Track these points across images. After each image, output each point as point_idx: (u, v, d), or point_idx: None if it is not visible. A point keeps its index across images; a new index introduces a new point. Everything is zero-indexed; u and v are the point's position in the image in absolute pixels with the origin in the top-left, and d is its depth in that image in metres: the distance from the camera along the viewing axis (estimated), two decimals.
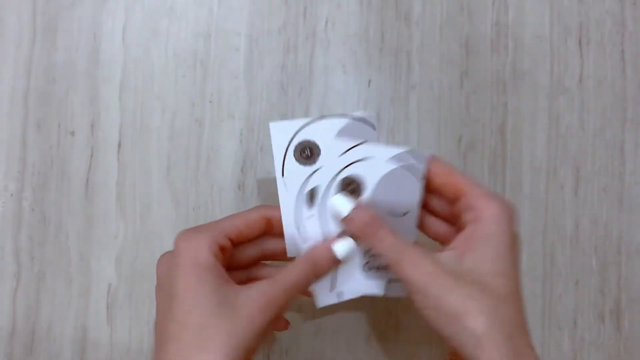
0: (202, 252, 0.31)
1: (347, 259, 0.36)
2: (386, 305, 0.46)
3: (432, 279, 0.31)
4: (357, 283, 0.37)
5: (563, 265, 0.46)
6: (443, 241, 0.37)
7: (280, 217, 0.35)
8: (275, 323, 0.37)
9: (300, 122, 0.36)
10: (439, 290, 0.31)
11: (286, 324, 0.40)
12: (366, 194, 0.36)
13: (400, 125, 0.47)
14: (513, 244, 0.33)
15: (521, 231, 0.44)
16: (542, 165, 0.47)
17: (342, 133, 0.36)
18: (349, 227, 0.35)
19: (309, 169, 0.36)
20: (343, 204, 0.35)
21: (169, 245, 0.34)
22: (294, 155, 0.36)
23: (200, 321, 0.30)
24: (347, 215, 0.35)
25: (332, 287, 0.37)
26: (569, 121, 0.47)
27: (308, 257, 0.35)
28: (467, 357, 0.29)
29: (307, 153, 0.36)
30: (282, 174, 0.36)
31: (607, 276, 0.46)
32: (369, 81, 0.47)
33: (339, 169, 0.36)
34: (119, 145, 0.46)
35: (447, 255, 0.33)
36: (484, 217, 0.32)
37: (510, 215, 0.33)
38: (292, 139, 0.36)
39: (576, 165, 0.47)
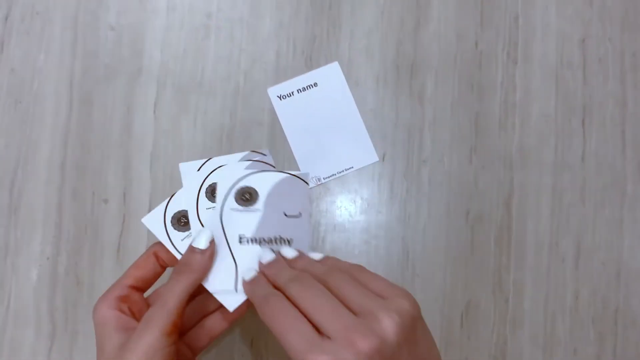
0: (102, 312, 0.37)
1: (210, 244, 0.38)
2: None
3: None
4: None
5: (562, 334, 0.49)
6: None
7: (165, 249, 0.40)
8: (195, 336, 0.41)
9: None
10: None
11: (226, 319, 0.41)
12: (260, 199, 0.41)
13: (412, 197, 0.50)
14: None
15: (525, 302, 0.48)
16: (545, 238, 0.50)
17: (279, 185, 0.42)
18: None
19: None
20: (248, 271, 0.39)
21: None
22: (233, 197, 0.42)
23: None
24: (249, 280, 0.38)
25: (235, 288, 0.39)
26: (571, 197, 0.51)
27: (176, 269, 0.38)
28: None
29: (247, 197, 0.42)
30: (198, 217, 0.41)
31: (604, 346, 0.49)
32: (384, 155, 0.50)
33: (234, 181, 0.42)
34: (149, 212, 0.49)
35: None
36: None
37: None
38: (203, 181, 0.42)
39: (577, 239, 0.50)
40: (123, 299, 0.38)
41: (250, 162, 0.44)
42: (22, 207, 0.49)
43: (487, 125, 0.51)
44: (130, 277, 0.39)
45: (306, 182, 0.43)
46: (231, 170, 0.42)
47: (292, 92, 0.51)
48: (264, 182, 0.42)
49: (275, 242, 0.41)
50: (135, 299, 0.39)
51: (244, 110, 0.51)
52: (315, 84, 0.51)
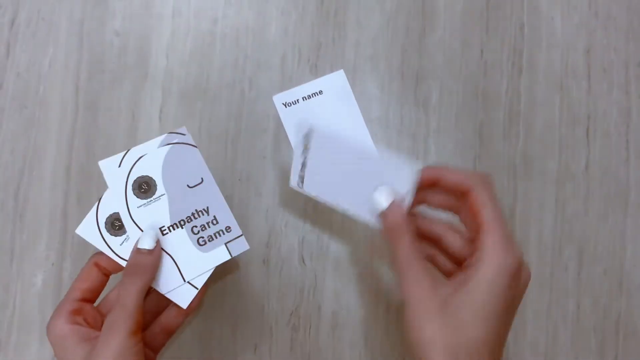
0: (58, 329, 0.37)
1: (156, 244, 0.39)
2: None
3: (421, 302, 0.34)
4: (200, 262, 0.40)
5: (564, 342, 0.50)
6: (449, 275, 0.39)
7: (105, 257, 0.40)
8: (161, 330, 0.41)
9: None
10: (421, 316, 0.34)
11: (181, 314, 0.41)
12: (158, 184, 0.40)
13: None
14: (505, 305, 0.34)
15: (527, 309, 0.48)
16: (548, 247, 0.50)
17: (167, 158, 0.41)
18: (382, 223, 0.38)
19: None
20: (381, 198, 0.37)
21: None
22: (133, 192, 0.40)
23: None
24: (383, 211, 0.37)
25: (183, 280, 0.40)
26: (574, 206, 0.51)
27: (127, 272, 0.38)
28: None
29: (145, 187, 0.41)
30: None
31: (606, 355, 0.50)
32: None
33: (125, 177, 0.40)
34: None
35: (446, 286, 0.35)
36: (482, 272, 0.34)
37: (510, 274, 0.34)
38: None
39: (580, 248, 0.50)
40: (76, 312, 0.38)
41: (171, 145, 0.41)
42: (28, 212, 0.50)
43: (491, 134, 0.51)
44: (77, 290, 0.39)
45: (193, 146, 0.41)
46: (120, 170, 0.41)
47: (297, 100, 0.51)
48: (153, 165, 0.40)
49: (195, 217, 0.40)
50: (87, 309, 0.39)
51: (249, 116, 0.51)
52: (321, 92, 0.51)
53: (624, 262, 0.51)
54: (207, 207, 0.40)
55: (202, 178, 0.41)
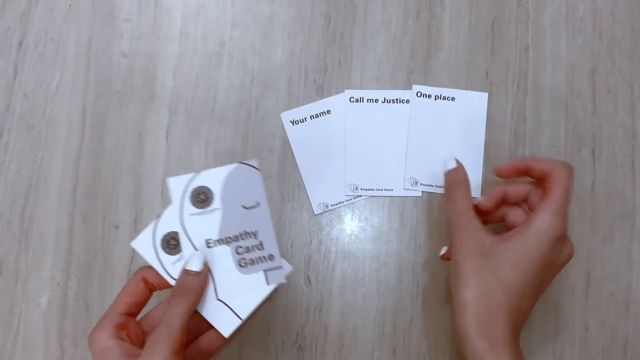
0: (102, 342, 0.37)
1: (204, 266, 0.39)
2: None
3: (464, 245, 0.41)
4: (237, 283, 0.40)
5: None
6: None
7: (154, 273, 0.40)
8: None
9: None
10: (463, 257, 0.41)
11: (220, 339, 0.42)
12: (216, 197, 0.41)
13: (423, 227, 0.51)
14: (540, 264, 0.40)
15: (534, 331, 0.48)
16: None
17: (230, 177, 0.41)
18: (447, 177, 0.45)
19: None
20: (451, 161, 0.45)
21: None
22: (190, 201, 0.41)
23: None
24: (450, 170, 0.45)
25: (215, 296, 0.40)
26: (580, 227, 0.51)
27: (174, 292, 0.38)
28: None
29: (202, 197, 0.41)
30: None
31: None
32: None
33: (186, 183, 0.40)
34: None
35: (493, 238, 0.41)
36: (530, 227, 0.40)
37: (555, 237, 0.40)
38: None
39: (586, 270, 0.51)
40: (121, 326, 0.38)
41: (236, 164, 0.41)
42: (33, 232, 0.50)
43: (497, 155, 0.52)
44: (122, 303, 0.39)
45: (256, 169, 0.41)
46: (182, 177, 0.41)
47: (305, 118, 0.52)
48: (215, 178, 0.41)
49: (242, 238, 0.41)
50: (131, 324, 0.39)
51: (255, 137, 0.52)
52: (329, 111, 0.52)
53: (631, 283, 0.51)
54: (256, 231, 0.41)
55: (258, 202, 0.41)
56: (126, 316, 0.40)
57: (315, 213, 0.51)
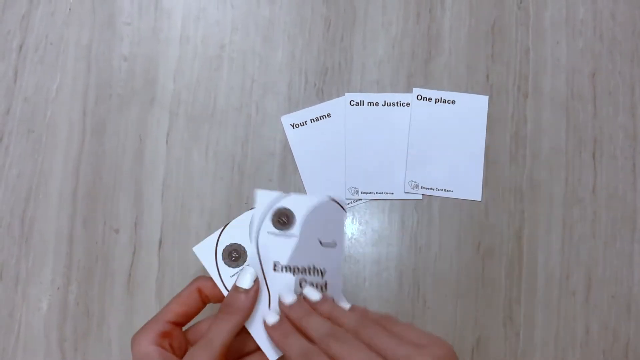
0: (143, 347, 0.36)
1: (254, 283, 0.38)
2: None
3: None
4: None
5: None
6: None
7: (211, 285, 0.39)
8: None
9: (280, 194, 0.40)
10: None
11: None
12: (297, 223, 0.40)
13: (423, 230, 0.51)
14: None
15: (535, 334, 0.48)
16: (556, 272, 0.51)
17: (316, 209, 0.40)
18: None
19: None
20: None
21: None
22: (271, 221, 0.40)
23: None
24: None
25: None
26: (581, 230, 0.51)
27: (222, 308, 0.38)
28: None
29: (284, 220, 0.40)
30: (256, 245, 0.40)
31: None
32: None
33: (271, 201, 0.40)
34: (160, 243, 0.50)
35: None
36: None
37: None
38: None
39: (588, 272, 0.51)
40: (165, 334, 0.38)
41: (328, 198, 0.41)
42: (34, 236, 0.50)
43: (497, 158, 0.52)
44: (172, 312, 0.38)
45: (344, 209, 0.41)
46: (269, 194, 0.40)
47: (305, 122, 0.52)
48: (301, 205, 0.40)
49: (309, 272, 0.39)
50: (176, 334, 0.39)
51: (256, 140, 0.52)
52: (329, 115, 0.52)
53: (632, 285, 0.51)
54: (324, 270, 0.40)
55: (335, 242, 0.40)
56: (173, 325, 0.39)
57: None
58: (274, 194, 0.40)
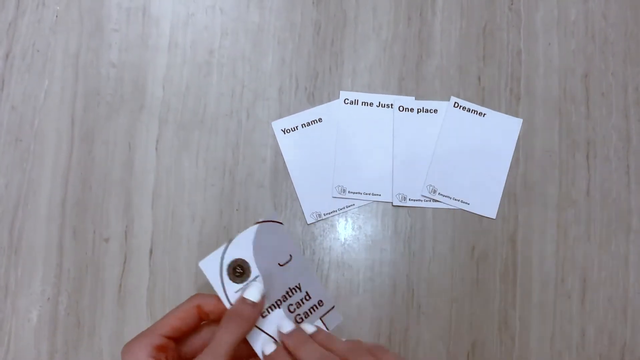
0: (136, 358, 0.36)
1: (262, 298, 0.39)
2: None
3: None
4: None
5: None
6: None
7: (212, 302, 0.39)
8: None
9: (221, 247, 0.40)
10: None
11: None
12: (252, 264, 0.39)
13: (417, 235, 0.50)
14: None
15: (531, 338, 0.48)
16: (551, 275, 0.50)
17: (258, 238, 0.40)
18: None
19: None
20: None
21: None
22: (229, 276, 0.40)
23: None
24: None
25: None
26: (576, 232, 0.51)
27: (226, 318, 0.38)
28: None
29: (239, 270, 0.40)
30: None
31: None
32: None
33: (218, 261, 0.39)
34: (151, 251, 0.49)
35: None
36: None
37: None
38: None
39: (583, 275, 0.50)
40: (160, 348, 0.37)
41: (258, 224, 0.40)
42: (23, 246, 0.50)
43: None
44: (168, 326, 0.38)
45: (279, 222, 0.41)
46: (214, 256, 0.40)
47: (297, 127, 0.52)
48: (243, 247, 0.40)
49: (289, 295, 0.40)
50: (170, 349, 0.38)
51: (247, 146, 0.51)
52: (320, 119, 0.52)
53: (628, 288, 0.51)
54: (299, 284, 0.40)
55: (290, 255, 0.41)
56: (167, 339, 0.38)
57: (308, 222, 0.51)
58: (215, 253, 0.39)
